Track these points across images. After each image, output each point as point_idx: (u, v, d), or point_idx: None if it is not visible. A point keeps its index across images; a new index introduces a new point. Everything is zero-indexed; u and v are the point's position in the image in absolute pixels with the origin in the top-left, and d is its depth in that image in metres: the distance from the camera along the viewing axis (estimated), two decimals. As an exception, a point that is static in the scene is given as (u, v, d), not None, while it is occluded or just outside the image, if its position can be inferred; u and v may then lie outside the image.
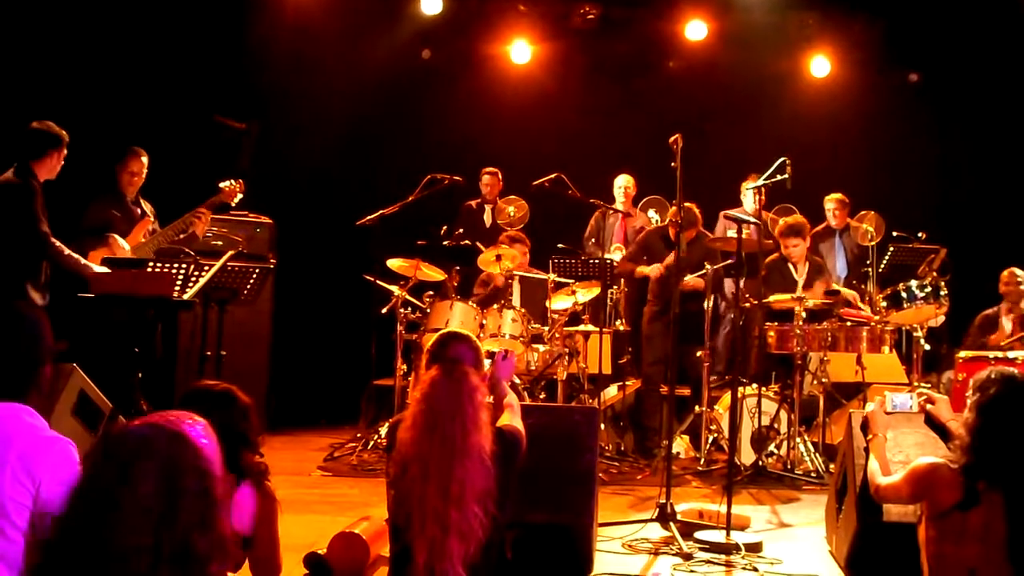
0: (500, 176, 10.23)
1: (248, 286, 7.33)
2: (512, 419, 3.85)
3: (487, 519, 3.42)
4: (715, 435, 8.05)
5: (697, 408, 8.21)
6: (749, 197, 9.31)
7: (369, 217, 8.42)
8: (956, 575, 3.60)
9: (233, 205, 7.78)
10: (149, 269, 6.72)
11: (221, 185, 7.60)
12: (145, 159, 7.62)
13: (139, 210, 7.63)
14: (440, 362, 3.67)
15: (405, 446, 3.54)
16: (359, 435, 8.35)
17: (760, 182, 7.14)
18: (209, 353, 7.33)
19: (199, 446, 2.27)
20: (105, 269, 6.73)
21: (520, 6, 11.22)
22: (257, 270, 7.38)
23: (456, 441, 3.44)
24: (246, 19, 10.26)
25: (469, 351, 3.74)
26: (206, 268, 6.91)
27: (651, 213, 9.88)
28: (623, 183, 9.76)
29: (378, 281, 8.24)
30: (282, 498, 3.68)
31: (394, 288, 8.09)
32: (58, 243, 6.67)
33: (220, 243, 7.57)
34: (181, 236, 7.55)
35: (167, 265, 6.78)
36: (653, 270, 8.64)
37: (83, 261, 6.74)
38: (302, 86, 10.50)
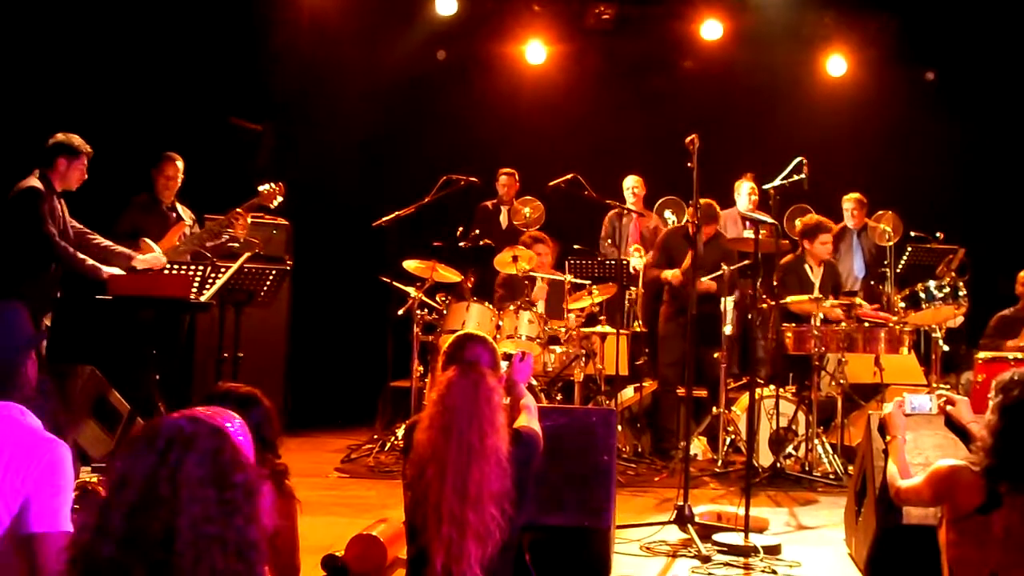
0: (517, 177, 10.22)
1: (265, 288, 7.37)
2: (529, 421, 3.85)
3: (504, 521, 3.41)
4: (733, 436, 8.02)
5: (714, 409, 8.19)
6: (744, 196, 9.29)
7: (385, 218, 8.41)
8: (977, 578, 3.58)
9: (272, 208, 7.80)
10: (167, 271, 6.75)
11: (260, 188, 7.62)
12: (180, 164, 7.71)
13: (174, 214, 7.68)
14: (457, 363, 3.66)
15: (422, 447, 3.54)
16: (376, 437, 8.36)
17: (777, 182, 7.14)
18: (226, 355, 7.37)
19: (238, 442, 2.29)
20: (116, 270, 6.76)
21: (535, 6, 11.21)
22: (274, 272, 7.41)
23: (473, 442, 3.43)
24: (262, 21, 10.29)
25: (486, 352, 3.73)
26: (223, 270, 6.94)
27: (667, 214, 9.86)
28: (632, 184, 9.74)
29: (394, 283, 8.24)
30: (299, 500, 3.69)
31: (410, 289, 8.09)
32: (66, 245, 6.68)
33: (237, 245, 7.59)
34: (221, 240, 7.58)
35: (185, 267, 6.81)
36: (674, 278, 8.59)
37: (91, 263, 6.74)
38: (318, 88, 10.52)
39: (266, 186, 7.59)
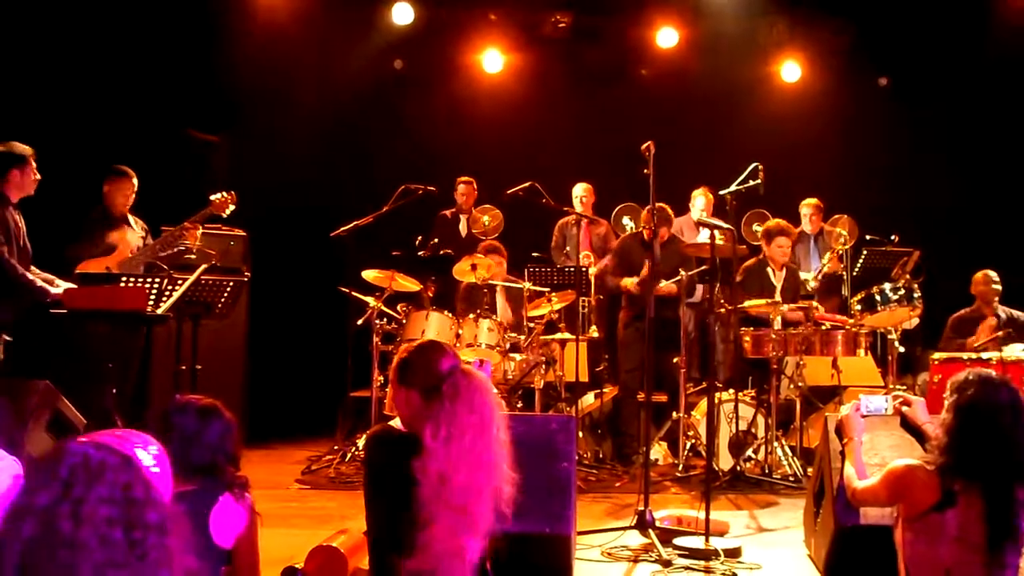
0: (475, 185, 10.23)
1: (222, 299, 7.31)
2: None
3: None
4: (693, 441, 8.06)
5: (674, 414, 8.23)
6: (698, 203, 9.35)
7: (343, 228, 8.38)
8: (932, 576, 3.62)
9: (225, 216, 7.75)
10: (123, 284, 6.69)
11: (212, 197, 7.57)
12: (135, 180, 7.67)
13: (128, 226, 7.62)
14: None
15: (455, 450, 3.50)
16: (336, 447, 8.31)
17: (733, 188, 7.19)
18: (184, 367, 7.31)
19: (150, 476, 2.13)
20: (69, 285, 6.69)
21: (491, 15, 11.24)
22: (231, 283, 7.36)
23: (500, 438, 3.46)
24: (219, 33, 10.23)
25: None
26: (179, 282, 6.89)
27: (626, 220, 9.89)
28: (580, 192, 9.75)
29: (353, 292, 8.22)
30: (260, 512, 3.66)
31: (369, 299, 8.07)
32: (14, 263, 6.56)
33: (193, 257, 7.53)
34: (174, 250, 7.53)
35: (140, 280, 6.75)
36: (633, 288, 8.63)
37: (39, 283, 6.66)
38: (275, 98, 10.47)
39: (218, 195, 7.55)
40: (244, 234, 9.02)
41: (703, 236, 8.74)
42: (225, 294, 7.30)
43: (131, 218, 7.73)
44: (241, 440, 3.79)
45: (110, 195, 7.65)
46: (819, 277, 8.82)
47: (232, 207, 7.58)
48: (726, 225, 6.75)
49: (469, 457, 3.40)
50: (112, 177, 7.67)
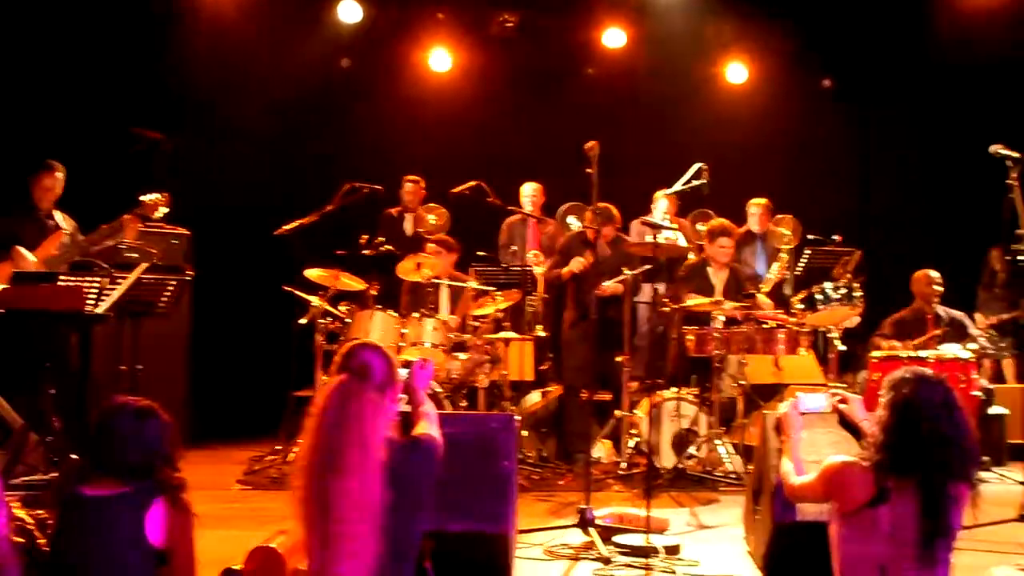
0: (422, 184, 10.20)
1: (164, 298, 7.23)
2: (428, 428, 3.82)
3: (375, 534, 3.34)
4: (636, 439, 8.10)
5: (617, 413, 8.26)
6: (660, 206, 9.38)
7: (287, 227, 8.32)
8: (866, 572, 3.65)
9: (155, 218, 7.65)
10: (61, 283, 6.60)
11: (143, 198, 7.47)
12: (60, 174, 7.53)
13: (52, 222, 7.50)
14: (340, 372, 3.62)
15: (298, 457, 3.49)
16: (279, 447, 8.25)
17: (677, 187, 7.25)
18: (124, 367, 7.23)
19: None
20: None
21: (439, 14, 11.23)
22: (173, 282, 7.28)
23: (337, 455, 3.36)
24: (164, 29, 10.15)
25: (378, 360, 3.67)
26: (120, 281, 6.80)
27: (571, 219, 9.91)
28: (530, 191, 9.78)
29: (297, 291, 8.16)
30: (200, 513, 3.64)
31: (313, 298, 8.02)
32: None
33: (134, 255, 7.45)
34: (104, 246, 7.43)
35: (79, 278, 6.66)
36: (576, 264, 8.68)
37: None
38: (220, 95, 10.39)
39: (150, 196, 7.44)
40: (187, 232, 8.94)
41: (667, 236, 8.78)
42: (167, 293, 7.23)
43: (58, 214, 7.59)
44: (179, 441, 3.77)
45: (32, 189, 7.51)
46: (768, 286, 8.89)
47: (164, 209, 7.47)
48: (668, 225, 6.80)
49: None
50: (36, 171, 7.53)
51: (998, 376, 10.39)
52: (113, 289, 6.71)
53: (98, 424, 3.66)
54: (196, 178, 9.98)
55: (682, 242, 9.23)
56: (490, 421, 5.16)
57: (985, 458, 8.26)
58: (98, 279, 6.65)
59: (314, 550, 3.33)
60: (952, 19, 10.88)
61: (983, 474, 7.84)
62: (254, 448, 8.75)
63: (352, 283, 8.18)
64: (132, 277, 6.83)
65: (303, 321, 8.08)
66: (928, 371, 3.80)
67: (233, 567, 4.53)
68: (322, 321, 8.02)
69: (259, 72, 10.59)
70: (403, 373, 3.89)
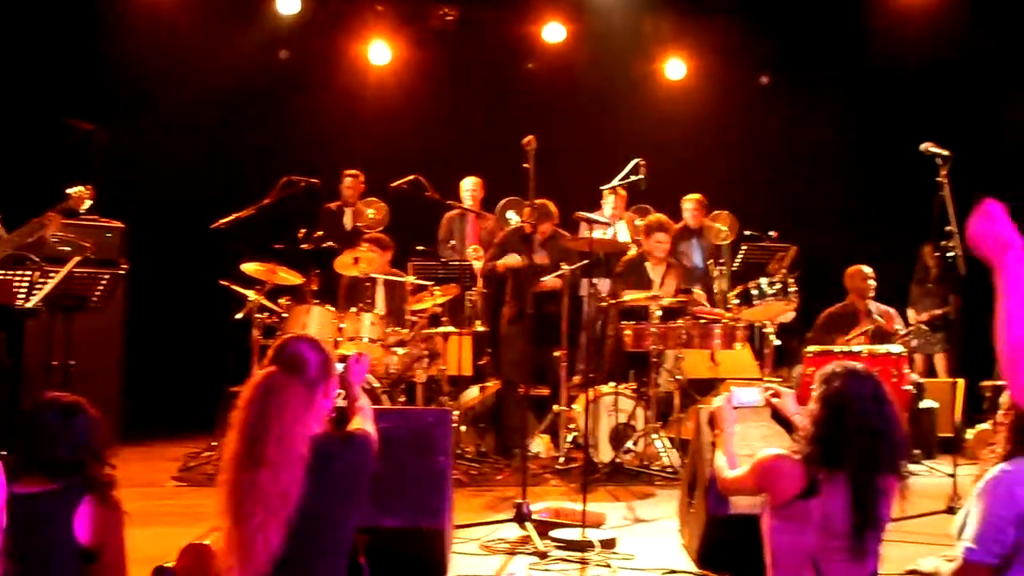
0: (361, 178, 10.16)
1: (97, 292, 7.11)
2: (363, 423, 3.80)
3: (281, 530, 3.30)
4: (574, 433, 8.12)
5: (555, 407, 8.29)
6: (609, 202, 9.41)
7: (223, 220, 8.23)
8: (797, 564, 3.69)
9: (81, 212, 7.52)
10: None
11: (68, 191, 7.34)
12: None
13: None
14: (270, 364, 3.58)
15: (224, 450, 3.45)
16: (215, 444, 8.16)
17: (615, 183, 7.29)
18: (56, 363, 7.11)
19: None
20: None
21: (378, 6, 11.19)
22: (107, 276, 7.17)
23: (257, 449, 3.33)
24: (99, 19, 10.01)
25: (312, 353, 3.64)
26: (52, 274, 6.69)
27: (510, 214, 9.91)
28: (470, 186, 9.79)
29: (234, 286, 8.08)
30: (133, 511, 3.60)
31: (250, 293, 7.95)
32: None
33: (68, 249, 7.32)
34: (29, 240, 7.28)
35: (9, 272, 6.54)
36: (511, 259, 8.70)
37: None
38: (157, 86, 10.30)
39: (75, 189, 7.29)
40: (122, 226, 8.80)
41: (620, 230, 8.83)
42: (100, 287, 7.11)
43: None
44: (109, 437, 3.72)
45: None
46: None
47: (89, 202, 7.32)
48: (604, 219, 6.82)
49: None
50: None
51: (930, 371, 10.58)
52: (45, 283, 6.60)
53: (26, 420, 3.61)
54: (131, 170, 9.87)
55: (625, 237, 9.29)
56: (426, 416, 5.16)
57: (916, 451, 8.42)
58: (29, 273, 6.54)
59: (231, 543, 3.29)
60: (887, 18, 11.05)
61: (913, 467, 7.97)
62: (190, 444, 8.65)
63: (289, 277, 8.11)
64: (64, 271, 6.71)
65: (239, 316, 8.00)
66: (858, 366, 3.85)
67: (165, 565, 4.50)
68: (259, 316, 7.94)
69: (196, 63, 10.48)
70: (339, 368, 3.87)
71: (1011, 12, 10.69)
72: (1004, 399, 3.99)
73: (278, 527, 3.24)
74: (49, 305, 6.82)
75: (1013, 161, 10.82)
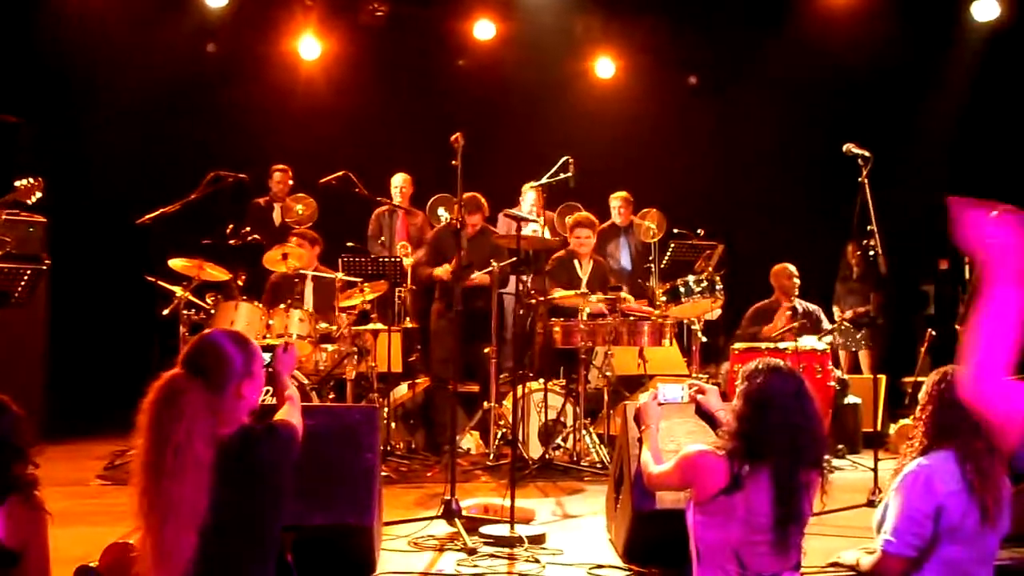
0: (290, 173, 10.10)
1: (20, 288, 7.02)
2: (290, 414, 3.76)
3: (191, 539, 3.26)
4: (504, 430, 8.15)
5: (485, 404, 8.31)
6: (528, 198, 9.44)
7: (148, 216, 8.12)
8: (722, 557, 3.75)
9: (31, 204, 7.37)
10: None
11: (17, 183, 7.20)
12: None
13: None
14: (177, 366, 3.50)
15: (134, 456, 3.39)
16: (138, 443, 8.06)
17: (544, 180, 7.33)
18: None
19: None
20: None
21: (307, 1, 11.10)
22: (29, 271, 7.06)
23: (159, 458, 3.27)
24: (25, 10, 9.83)
25: (232, 348, 3.56)
26: (-29, 270, 6.58)
27: (441, 211, 9.91)
28: (399, 182, 9.79)
29: (160, 282, 7.98)
30: (57, 510, 3.55)
31: (177, 289, 7.85)
32: None
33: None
34: None
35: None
36: (443, 273, 8.70)
37: None
38: (83, 80, 10.14)
39: (23, 181, 7.18)
40: (44, 220, 8.65)
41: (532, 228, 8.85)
42: (23, 282, 7.02)
43: None
44: (33, 436, 3.67)
45: None
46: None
47: (39, 194, 7.21)
48: (532, 218, 6.85)
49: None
50: None
51: (854, 367, 10.76)
52: (-36, 278, 6.49)
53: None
54: (56, 164, 9.68)
55: (545, 235, 9.34)
56: (353, 413, 5.14)
57: (840, 446, 8.58)
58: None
59: (144, 549, 3.25)
60: (813, 20, 11.22)
61: (836, 462, 8.13)
62: (115, 443, 8.51)
63: (217, 273, 8.03)
64: (-16, 266, 6.61)
65: (166, 312, 7.90)
66: (781, 362, 3.91)
67: (88, 564, 4.45)
68: (186, 312, 7.85)
69: (123, 56, 10.33)
70: (266, 358, 3.83)
71: (933, 15, 10.95)
72: (922, 395, 4.09)
73: (189, 535, 3.19)
74: (-31, 301, 6.72)
75: (929, 162, 11.11)
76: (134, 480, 3.29)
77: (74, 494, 6.75)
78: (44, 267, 7.86)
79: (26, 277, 7.02)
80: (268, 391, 4.17)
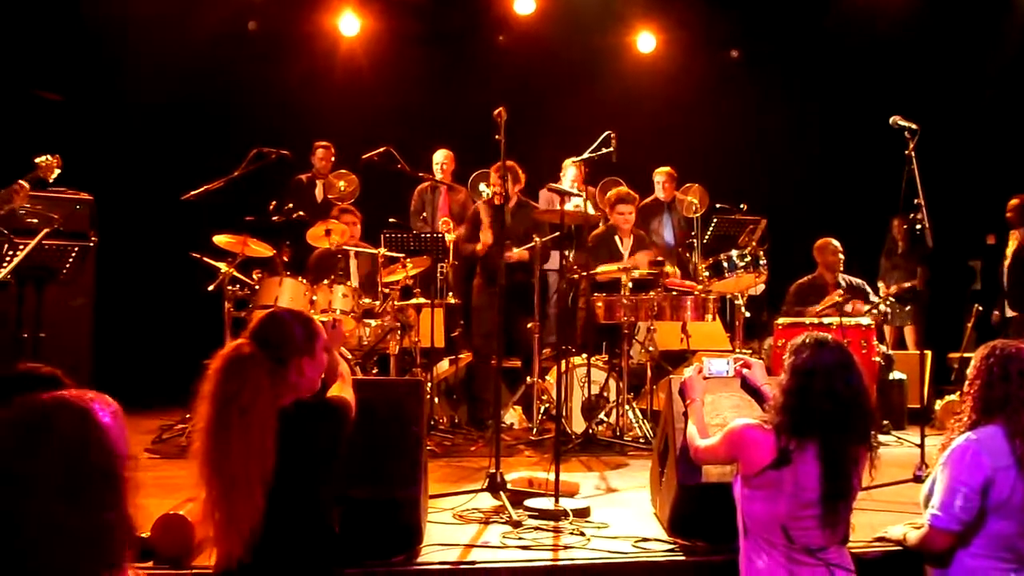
0: (332, 150, 10.13)
1: (67, 265, 7.09)
2: (342, 389, 3.83)
3: (261, 501, 3.32)
4: (547, 405, 8.17)
5: (528, 379, 8.32)
6: (569, 173, 9.42)
7: (194, 192, 8.18)
8: (769, 531, 3.75)
9: (50, 181, 7.45)
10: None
11: (37, 160, 7.27)
12: None
13: None
14: (245, 336, 3.59)
15: (195, 418, 3.48)
16: (188, 416, 8.13)
17: (585, 155, 7.31)
18: (26, 335, 7.08)
19: (104, 425, 2.22)
20: None
21: (348, -23, 11.11)
22: (76, 248, 7.14)
23: (227, 420, 3.34)
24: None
25: (295, 326, 3.64)
26: (21, 247, 6.66)
27: (482, 187, 9.92)
28: (441, 158, 9.78)
29: (205, 258, 8.04)
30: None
31: (221, 265, 7.92)
32: None
33: (35, 221, 7.26)
34: (2, 212, 7.22)
35: (-24, 244, 6.51)
36: (480, 247, 8.72)
37: None
38: (127, 57, 10.18)
39: (43, 158, 7.22)
40: (90, 198, 8.73)
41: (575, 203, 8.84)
42: (70, 259, 7.09)
43: None
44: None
45: None
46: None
47: (58, 170, 7.25)
48: (575, 192, 6.84)
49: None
50: None
51: (900, 343, 10.68)
52: (14, 255, 6.57)
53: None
54: (101, 142, 9.79)
55: (589, 209, 9.32)
56: (398, 387, 5.17)
57: (885, 422, 8.53)
58: (-2, 245, 6.51)
59: (209, 511, 3.32)
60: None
61: (882, 437, 8.08)
62: (162, 417, 8.63)
63: (260, 250, 8.09)
64: (33, 243, 6.68)
65: (211, 288, 7.96)
66: (828, 336, 3.89)
67: (141, 535, 4.50)
68: (230, 288, 7.91)
69: (166, 34, 10.37)
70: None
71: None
72: (970, 370, 4.06)
73: (256, 496, 3.27)
74: (18, 277, 6.80)
75: (978, 136, 10.96)
76: (196, 446, 3.36)
77: (123, 467, 6.81)
78: (91, 244, 7.94)
79: (73, 254, 7.09)
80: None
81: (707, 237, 9.24)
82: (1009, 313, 9.82)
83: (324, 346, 3.73)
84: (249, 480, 3.28)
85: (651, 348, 8.05)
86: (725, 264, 8.02)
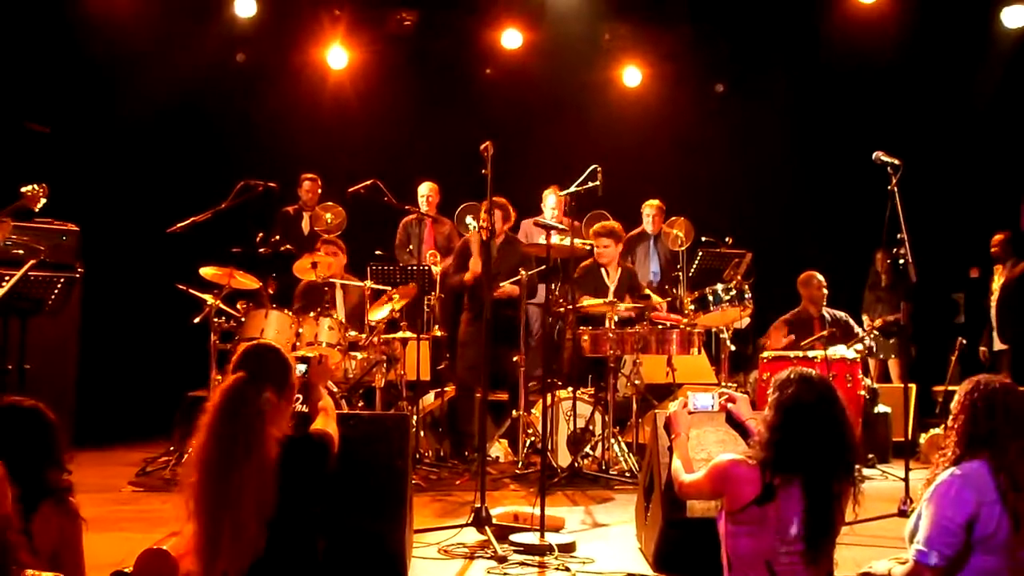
0: (319, 182, 10.15)
1: (53, 296, 7.08)
2: (326, 424, 3.84)
3: (262, 530, 3.35)
4: (532, 438, 8.15)
5: (514, 412, 8.31)
6: (549, 202, 9.46)
7: (180, 224, 8.18)
8: (753, 567, 3.74)
9: (36, 210, 7.44)
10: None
11: (23, 190, 7.27)
12: None
13: None
14: (237, 370, 3.61)
15: (193, 452, 3.48)
16: (172, 448, 8.12)
17: (572, 189, 7.35)
18: (11, 367, 7.05)
19: None
20: None
21: (336, 10, 11.15)
22: (62, 279, 7.12)
23: (232, 453, 3.36)
24: (56, 20, 9.91)
25: (276, 358, 3.67)
26: (6, 278, 6.64)
27: (469, 220, 9.94)
28: (426, 191, 9.80)
29: (190, 290, 8.03)
30: (90, 516, 3.59)
31: (207, 297, 7.90)
32: None
33: (21, 252, 7.25)
34: None
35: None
36: (468, 276, 8.73)
37: None
38: (114, 88, 10.20)
39: (29, 187, 7.22)
40: (76, 229, 8.72)
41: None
42: (56, 290, 7.08)
43: None
44: (68, 442, 3.71)
45: None
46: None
47: (44, 200, 7.24)
48: (562, 226, 6.86)
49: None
50: None
51: (884, 376, 10.71)
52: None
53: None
54: (88, 173, 9.78)
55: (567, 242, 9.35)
56: (384, 420, 5.17)
57: (870, 455, 8.54)
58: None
59: (203, 545, 3.32)
60: (839, 28, 11.19)
61: (867, 471, 8.09)
62: (147, 449, 8.60)
63: (247, 282, 8.07)
64: (19, 274, 6.67)
65: (197, 320, 7.94)
66: (813, 372, 3.90)
67: (123, 570, 4.47)
68: (216, 320, 7.89)
69: (153, 65, 10.39)
70: (301, 369, 3.89)
71: (962, 21, 10.89)
72: (954, 404, 4.07)
73: (252, 526, 3.28)
74: (3, 308, 6.78)
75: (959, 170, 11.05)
76: (190, 477, 3.36)
77: (107, 500, 6.80)
78: (77, 275, 7.93)
79: (59, 285, 7.08)
80: (298, 398, 4.21)
81: (692, 270, 9.27)
82: (997, 347, 9.88)
83: (303, 380, 3.76)
84: (249, 513, 3.29)
85: (637, 381, 8.05)
86: (710, 298, 8.06)
